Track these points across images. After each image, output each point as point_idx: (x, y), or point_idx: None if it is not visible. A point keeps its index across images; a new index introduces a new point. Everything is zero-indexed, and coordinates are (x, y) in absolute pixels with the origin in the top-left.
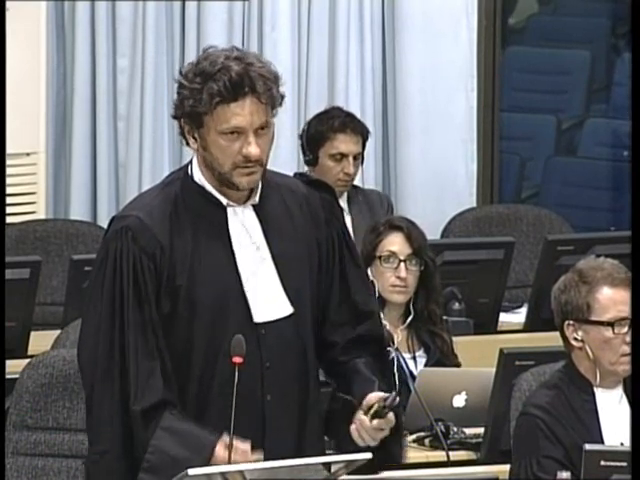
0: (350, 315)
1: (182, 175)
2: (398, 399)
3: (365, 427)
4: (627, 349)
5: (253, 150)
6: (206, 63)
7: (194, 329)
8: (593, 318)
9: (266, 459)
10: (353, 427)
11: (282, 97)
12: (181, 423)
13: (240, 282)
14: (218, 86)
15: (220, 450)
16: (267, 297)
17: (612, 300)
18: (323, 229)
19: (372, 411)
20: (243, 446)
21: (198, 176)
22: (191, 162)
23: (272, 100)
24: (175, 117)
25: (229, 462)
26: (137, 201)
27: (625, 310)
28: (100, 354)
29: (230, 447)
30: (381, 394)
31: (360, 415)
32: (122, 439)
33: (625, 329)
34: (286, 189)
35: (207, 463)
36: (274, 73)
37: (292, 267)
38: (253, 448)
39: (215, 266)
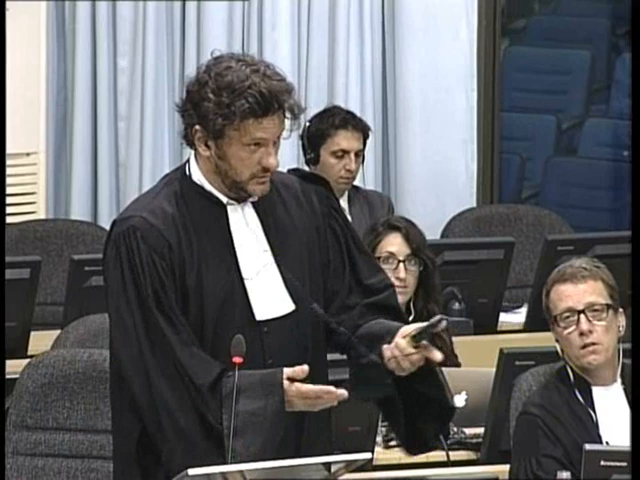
0: (363, 298)
1: (180, 175)
2: (445, 323)
3: (402, 350)
4: (582, 340)
5: (273, 161)
6: (232, 77)
7: (202, 327)
8: (551, 317)
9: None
10: (388, 350)
11: (299, 107)
12: (239, 380)
13: (243, 281)
14: (250, 103)
15: (290, 385)
16: (270, 295)
17: (559, 296)
18: (321, 218)
19: (414, 333)
20: (304, 385)
21: (197, 176)
22: (188, 162)
23: (292, 113)
24: (188, 124)
25: (302, 392)
26: (137, 203)
27: (572, 301)
28: (146, 355)
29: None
30: (421, 324)
31: (398, 339)
32: (199, 422)
33: (574, 319)
34: (281, 184)
35: (282, 404)
36: (292, 85)
37: (293, 263)
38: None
39: (219, 265)
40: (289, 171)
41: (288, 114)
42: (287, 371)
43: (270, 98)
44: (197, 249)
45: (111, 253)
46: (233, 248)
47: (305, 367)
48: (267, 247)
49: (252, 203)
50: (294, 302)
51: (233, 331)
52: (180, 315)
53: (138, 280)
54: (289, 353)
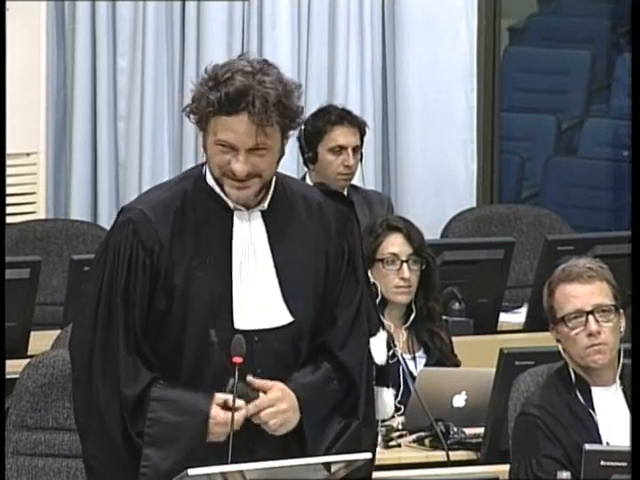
0: (323, 325)
1: (196, 173)
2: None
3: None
4: (590, 341)
5: (238, 168)
6: (222, 70)
7: (186, 330)
8: (557, 317)
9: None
10: None
11: (294, 122)
12: (171, 391)
13: (232, 288)
14: (215, 97)
15: (217, 411)
16: (264, 305)
17: (566, 296)
18: (333, 241)
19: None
20: (238, 404)
21: (210, 177)
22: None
23: (269, 122)
24: (186, 111)
25: (230, 419)
26: (147, 194)
27: (581, 302)
28: (95, 347)
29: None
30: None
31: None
32: (121, 429)
33: (582, 320)
34: (300, 197)
35: (205, 425)
36: (281, 97)
37: (295, 276)
38: (241, 453)
39: (212, 269)
40: (315, 185)
41: (261, 121)
42: (219, 396)
43: (237, 97)
44: (192, 250)
45: (105, 239)
46: (230, 254)
47: (241, 403)
48: (269, 257)
49: (262, 212)
50: (292, 315)
51: (219, 338)
52: (140, 322)
53: (115, 275)
54: (281, 364)
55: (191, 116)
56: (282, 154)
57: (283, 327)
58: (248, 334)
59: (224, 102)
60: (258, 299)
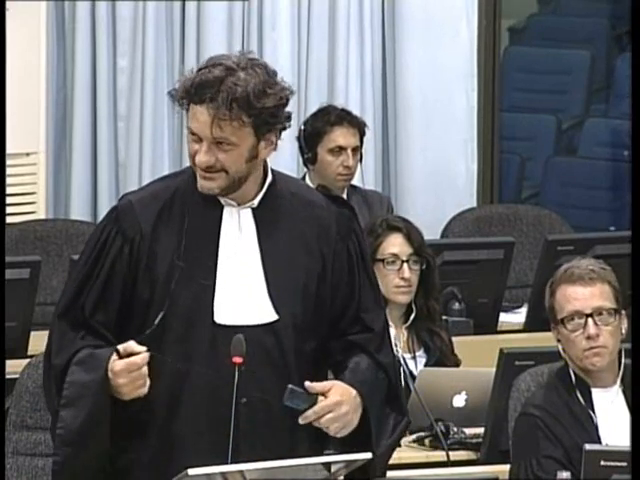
0: (360, 330)
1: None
2: (289, 392)
3: None
4: (588, 344)
5: (199, 158)
6: (211, 61)
7: (167, 322)
8: (557, 318)
9: (238, 462)
10: None
11: (271, 125)
12: (89, 352)
13: (215, 283)
14: (189, 84)
15: (115, 363)
16: (248, 301)
17: (566, 298)
18: (332, 243)
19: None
20: (138, 348)
21: None
22: None
23: (226, 117)
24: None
25: (127, 367)
26: (148, 185)
27: (580, 305)
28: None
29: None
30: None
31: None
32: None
33: (581, 322)
34: (299, 198)
35: (105, 379)
36: (249, 95)
37: (283, 274)
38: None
39: (196, 263)
40: (317, 187)
41: (222, 115)
42: (117, 347)
43: (203, 87)
44: (177, 243)
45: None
46: (217, 249)
47: (142, 348)
48: (257, 254)
49: (253, 209)
50: (277, 313)
51: (200, 333)
52: (92, 301)
53: (87, 250)
54: (265, 361)
55: (178, 102)
56: (257, 154)
57: (268, 324)
58: (229, 329)
59: (192, 90)
60: (243, 295)
